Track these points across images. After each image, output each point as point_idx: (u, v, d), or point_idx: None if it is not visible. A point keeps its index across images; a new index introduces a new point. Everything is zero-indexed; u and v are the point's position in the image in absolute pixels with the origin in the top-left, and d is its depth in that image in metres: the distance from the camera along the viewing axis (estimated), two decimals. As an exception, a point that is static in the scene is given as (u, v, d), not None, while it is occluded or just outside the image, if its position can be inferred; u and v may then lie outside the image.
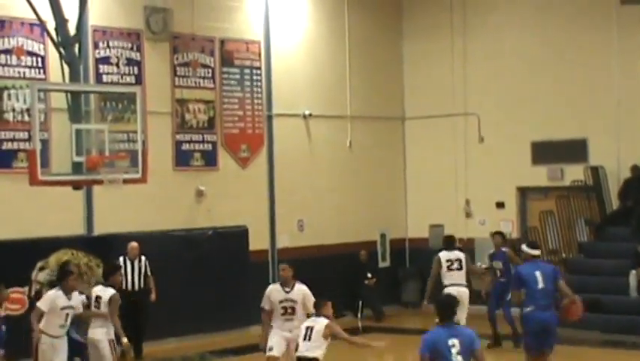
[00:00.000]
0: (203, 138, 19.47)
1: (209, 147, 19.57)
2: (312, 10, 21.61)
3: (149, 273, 16.94)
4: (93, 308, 13.03)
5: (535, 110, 21.22)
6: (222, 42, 19.78)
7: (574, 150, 20.71)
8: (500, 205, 21.83)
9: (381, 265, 22.57)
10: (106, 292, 13.02)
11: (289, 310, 12.42)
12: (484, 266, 21.71)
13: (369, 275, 21.60)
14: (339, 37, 21.92)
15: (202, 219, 19.28)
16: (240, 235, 19.70)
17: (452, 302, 9.48)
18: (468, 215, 22.30)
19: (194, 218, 19.22)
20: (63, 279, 12.74)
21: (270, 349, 12.41)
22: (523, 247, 13.41)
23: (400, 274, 22.92)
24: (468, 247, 22.01)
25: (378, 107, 22.75)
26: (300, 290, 12.55)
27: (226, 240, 19.33)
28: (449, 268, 16.51)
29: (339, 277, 21.06)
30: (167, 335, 17.88)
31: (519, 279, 12.90)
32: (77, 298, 12.72)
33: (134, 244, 16.97)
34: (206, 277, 18.67)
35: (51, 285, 16.28)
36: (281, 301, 12.47)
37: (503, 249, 17.54)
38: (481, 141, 21.94)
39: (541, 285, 12.69)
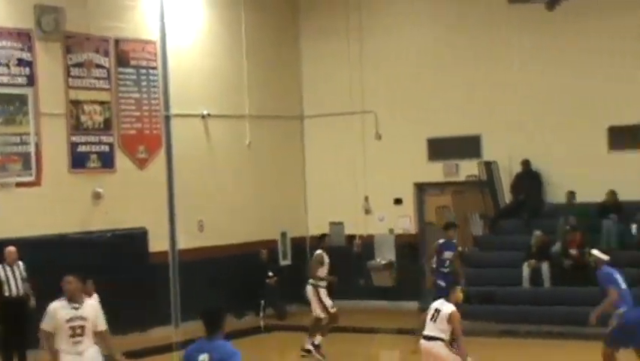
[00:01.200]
0: (100, 139, 19.26)
1: (106, 148, 19.38)
2: (209, 10, 21.57)
3: (25, 278, 16.42)
4: None
5: (431, 108, 21.55)
6: (117, 42, 19.60)
7: (468, 146, 21.10)
8: (398, 201, 22.12)
9: (283, 263, 22.66)
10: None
11: (78, 331, 10.46)
12: (383, 262, 22.12)
13: (270, 274, 21.67)
14: (236, 37, 21.93)
15: (100, 222, 19.08)
16: (139, 236, 19.57)
17: (219, 314, 8.14)
18: (367, 212, 22.53)
19: (92, 220, 19.01)
20: None
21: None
22: (595, 252, 13.41)
23: (301, 272, 22.98)
24: (368, 243, 22.33)
25: (277, 106, 22.82)
26: (92, 306, 10.90)
27: (125, 242, 19.17)
28: None
29: (240, 276, 21.08)
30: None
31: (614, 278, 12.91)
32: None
33: (12, 248, 16.31)
34: (104, 280, 18.44)
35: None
36: (68, 321, 10.44)
37: (454, 240, 17.41)
38: (378, 139, 22.19)
39: (624, 286, 12.92)
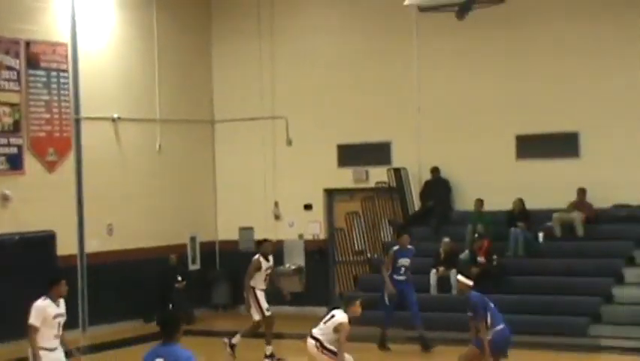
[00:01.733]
0: (9, 141, 19.05)
1: (15, 150, 19.16)
2: (120, 12, 21.47)
3: None
4: None
5: (341, 114, 21.78)
6: (28, 44, 19.40)
7: (378, 153, 21.37)
8: (308, 207, 22.29)
9: (192, 267, 22.66)
10: None
11: (60, 327, 11.68)
12: (293, 267, 22.26)
13: (179, 278, 21.63)
14: (148, 40, 21.87)
15: (7, 225, 18.86)
16: (47, 240, 19.40)
17: (175, 320, 8.24)
18: (277, 217, 22.66)
19: (0, 223, 18.78)
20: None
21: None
22: (460, 277, 13.58)
23: (210, 276, 23.06)
24: (277, 248, 22.43)
25: (188, 110, 22.82)
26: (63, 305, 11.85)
27: (33, 245, 18.99)
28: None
29: (149, 280, 21.01)
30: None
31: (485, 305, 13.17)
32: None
33: None
34: (13, 283, 18.26)
35: None
36: (55, 317, 11.60)
37: (410, 247, 17.45)
38: (289, 144, 22.30)
39: (491, 305, 13.21)
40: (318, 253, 22.11)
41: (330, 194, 22.27)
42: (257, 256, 16.92)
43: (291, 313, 20.15)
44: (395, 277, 17.13)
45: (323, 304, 21.17)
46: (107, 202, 20.71)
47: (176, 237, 22.21)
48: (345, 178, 21.80)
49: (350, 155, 21.77)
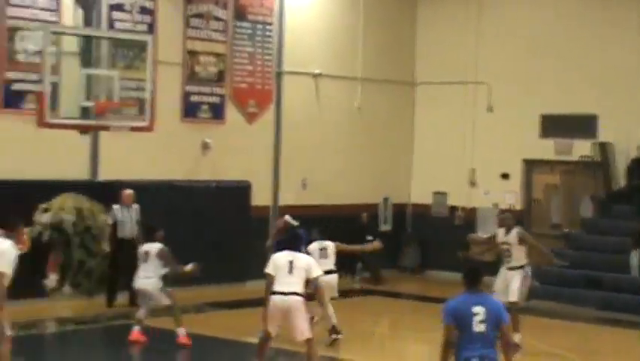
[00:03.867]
0: (212, 90, 19.41)
1: (217, 100, 19.51)
2: (329, -31, 21.46)
3: (138, 221, 16.86)
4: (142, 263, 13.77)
5: (547, 83, 21.12)
6: (236, -5, 19.68)
7: (583, 125, 20.63)
8: (505, 176, 21.80)
9: (383, 228, 22.59)
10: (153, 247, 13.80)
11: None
12: (486, 236, 21.78)
13: (369, 238, 21.57)
14: (354, -2, 21.79)
15: (206, 172, 19.27)
16: (242, 189, 19.71)
17: (478, 268, 8.83)
18: (472, 184, 22.27)
19: (199, 170, 19.21)
20: None
21: None
22: None
23: (401, 238, 22.93)
24: (470, 215, 22.08)
25: (389, 70, 22.64)
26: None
27: (229, 194, 19.34)
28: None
29: (339, 237, 20.94)
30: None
31: None
32: None
33: (129, 191, 16.92)
34: (207, 230, 18.67)
35: (52, 227, 16.41)
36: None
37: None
38: (490, 111, 21.84)
39: None
40: (512, 223, 21.57)
41: (530, 165, 21.68)
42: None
43: (484, 282, 19.84)
44: None
45: (514, 276, 20.72)
46: (303, 157, 20.85)
47: (369, 196, 22.18)
48: (547, 150, 21.17)
49: (553, 126, 21.09)
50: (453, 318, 8.38)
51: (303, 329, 11.69)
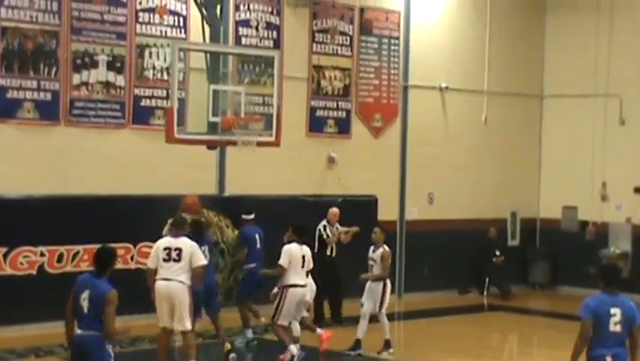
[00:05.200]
0: (338, 105, 19.48)
1: (343, 114, 19.56)
2: (454, -18, 21.31)
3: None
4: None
5: (681, 94, 20.52)
6: (362, 10, 19.70)
7: None
8: (638, 190, 21.19)
9: (511, 243, 22.24)
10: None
11: (370, 268, 14.54)
12: (618, 252, 21.23)
13: (497, 253, 21.33)
14: (480, 10, 21.54)
15: (332, 186, 19.32)
16: (369, 204, 19.65)
17: (618, 269, 9.42)
18: (604, 198, 21.73)
19: (325, 184, 19.28)
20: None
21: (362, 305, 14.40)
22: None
23: (529, 253, 22.53)
24: (602, 230, 21.54)
25: (517, 83, 22.32)
26: (380, 252, 14.54)
27: (356, 208, 19.27)
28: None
29: (466, 252, 20.88)
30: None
31: None
32: None
33: (336, 210, 16.98)
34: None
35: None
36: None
37: None
38: (622, 124, 21.33)
39: None
40: (646, 238, 21.01)
41: (663, 178, 21.06)
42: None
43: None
44: None
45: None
46: (430, 171, 20.72)
47: (497, 211, 21.86)
48: (680, 162, 20.54)
49: (687, 138, 20.46)
50: (592, 315, 8.80)
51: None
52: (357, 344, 14.35)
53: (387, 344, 14.46)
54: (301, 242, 13.41)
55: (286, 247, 13.32)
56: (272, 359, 13.69)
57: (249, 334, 14.94)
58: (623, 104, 21.28)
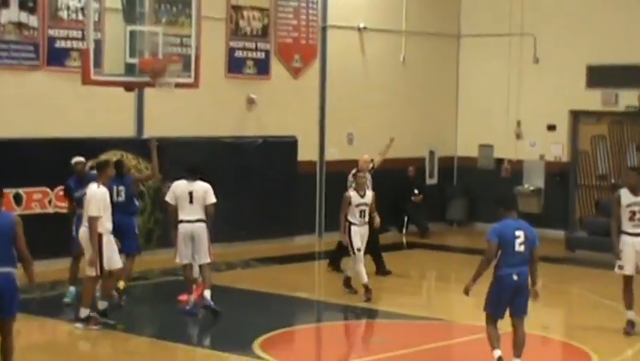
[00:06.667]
0: (257, 46, 19.41)
1: (262, 55, 19.51)
2: None
3: None
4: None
5: (593, 33, 20.81)
6: (279, -51, 19.58)
7: (630, 76, 20.33)
8: (552, 128, 21.60)
9: (429, 182, 22.54)
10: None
11: (363, 213, 14.57)
12: (531, 188, 21.68)
13: (416, 192, 21.60)
14: (398, -51, 21.57)
15: (252, 128, 19.32)
16: (289, 145, 19.75)
17: (514, 196, 11.23)
18: (518, 136, 22.10)
19: (244, 126, 19.27)
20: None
21: (359, 250, 14.41)
22: None
23: (447, 191, 22.87)
24: (517, 168, 21.96)
25: (434, 23, 22.45)
26: (371, 195, 14.85)
27: (275, 149, 19.39)
28: None
29: (385, 192, 20.87)
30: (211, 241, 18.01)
31: None
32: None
33: (366, 156, 16.55)
34: (254, 186, 18.77)
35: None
36: (357, 205, 14.49)
37: None
38: (535, 62, 21.64)
39: None
40: (559, 175, 21.45)
41: (576, 116, 21.45)
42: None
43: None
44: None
45: (561, 227, 20.65)
46: (349, 111, 20.82)
47: (415, 150, 22.10)
48: (593, 100, 20.91)
49: (600, 76, 20.81)
50: (498, 239, 9.97)
51: None
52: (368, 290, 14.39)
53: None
54: (192, 179, 13.21)
55: (172, 185, 13.36)
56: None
57: None
58: (537, 42, 21.56)
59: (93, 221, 12.15)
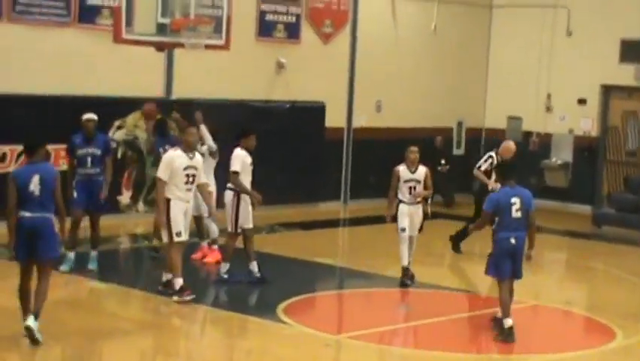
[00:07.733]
0: (288, 10, 19.31)
1: (293, 19, 19.41)
2: None
3: None
4: None
5: (628, 7, 20.61)
6: None
7: (664, 51, 20.16)
8: (582, 102, 21.43)
9: (456, 152, 22.44)
10: None
11: (413, 189, 13.58)
12: (559, 162, 21.52)
13: (442, 162, 21.50)
14: None
15: (280, 92, 19.26)
16: (317, 110, 19.68)
17: (512, 165, 12.06)
18: (548, 109, 21.93)
19: (273, 90, 19.21)
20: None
21: (403, 230, 13.55)
22: None
23: (474, 163, 22.68)
24: (545, 141, 21.81)
25: (467, -8, 22.31)
26: (424, 171, 13.76)
27: (303, 115, 19.33)
28: None
29: (412, 161, 20.95)
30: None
31: None
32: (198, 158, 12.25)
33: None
34: (281, 150, 18.72)
35: (126, 144, 16.60)
36: (406, 181, 13.56)
37: None
38: (568, 35, 21.44)
39: None
40: (587, 149, 21.29)
41: (607, 90, 21.25)
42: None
43: (553, 209, 19.69)
44: None
45: (588, 202, 20.52)
46: (378, 79, 20.72)
47: (443, 120, 22.01)
48: (626, 75, 20.70)
49: (634, 51, 20.59)
50: (495, 207, 10.63)
51: None
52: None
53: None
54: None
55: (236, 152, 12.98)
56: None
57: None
58: (570, 15, 21.34)
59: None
